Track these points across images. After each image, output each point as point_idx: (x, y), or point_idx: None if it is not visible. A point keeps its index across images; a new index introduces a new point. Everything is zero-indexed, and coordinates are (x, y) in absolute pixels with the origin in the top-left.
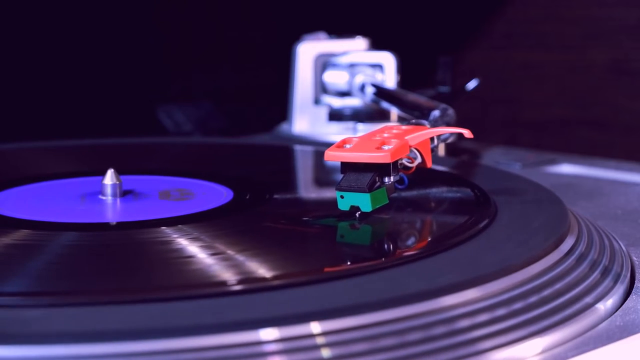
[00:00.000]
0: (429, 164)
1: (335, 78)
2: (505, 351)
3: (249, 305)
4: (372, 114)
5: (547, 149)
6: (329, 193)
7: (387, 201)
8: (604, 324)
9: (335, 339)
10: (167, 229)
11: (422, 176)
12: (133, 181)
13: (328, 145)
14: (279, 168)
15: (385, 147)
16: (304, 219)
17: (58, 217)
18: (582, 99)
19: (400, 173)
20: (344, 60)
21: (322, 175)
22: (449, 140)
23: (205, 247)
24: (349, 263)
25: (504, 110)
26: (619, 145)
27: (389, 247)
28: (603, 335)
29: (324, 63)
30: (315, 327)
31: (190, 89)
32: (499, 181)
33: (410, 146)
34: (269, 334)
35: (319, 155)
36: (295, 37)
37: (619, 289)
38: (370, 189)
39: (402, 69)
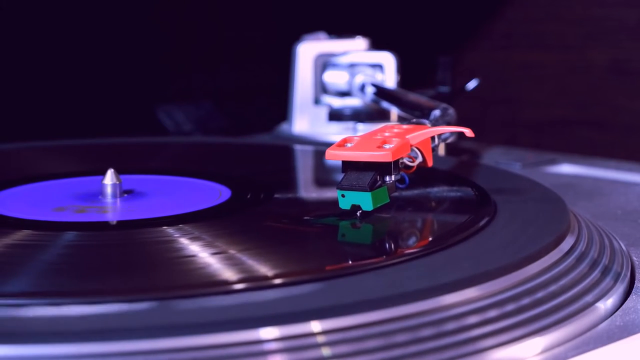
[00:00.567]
0: (430, 163)
1: (335, 78)
2: (505, 350)
3: (250, 304)
4: (372, 114)
5: (547, 149)
6: (329, 192)
7: (388, 200)
8: (604, 323)
9: (336, 338)
10: (168, 228)
11: (422, 175)
12: (133, 181)
13: (328, 145)
14: (279, 168)
15: (387, 146)
16: (305, 218)
17: (58, 217)
18: (582, 99)
19: (401, 172)
20: (344, 60)
21: (323, 174)
22: (450, 140)
23: (205, 246)
24: (350, 262)
25: (504, 110)
26: (619, 145)
27: (389, 245)
28: (603, 335)
29: (324, 63)
30: (315, 325)
31: (190, 89)
32: (499, 180)
33: (411, 145)
34: (269, 332)
35: (319, 155)
36: (295, 37)
37: (619, 289)
38: (371, 187)
39: (402, 69)
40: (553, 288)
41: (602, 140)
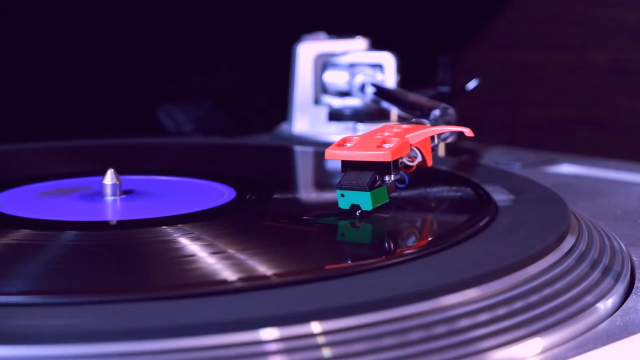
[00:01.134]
0: (430, 163)
1: (335, 78)
2: (505, 351)
3: (249, 304)
4: (372, 114)
5: (547, 149)
6: (329, 192)
7: (388, 200)
8: (604, 324)
9: (336, 338)
10: (168, 228)
11: (422, 175)
12: (133, 181)
13: (328, 145)
14: (279, 168)
15: (386, 146)
16: (305, 218)
17: (58, 216)
18: (582, 99)
19: (401, 172)
20: (344, 60)
21: (322, 174)
22: (449, 140)
23: (205, 246)
24: (349, 262)
25: (504, 110)
26: (619, 145)
27: (389, 245)
28: (603, 335)
29: (324, 63)
30: (315, 326)
31: (190, 89)
32: (500, 180)
33: (410, 145)
34: (269, 333)
35: (319, 155)
36: (295, 37)
37: (619, 289)
38: (370, 187)
39: (402, 69)
40: (553, 288)
41: (602, 140)
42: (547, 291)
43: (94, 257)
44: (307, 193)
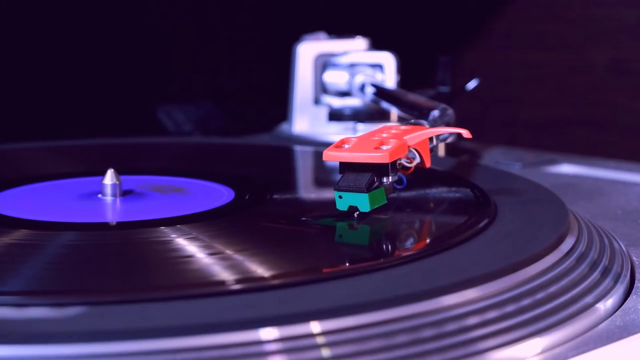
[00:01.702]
0: (428, 164)
1: (335, 78)
2: (505, 351)
3: (248, 305)
4: (372, 114)
5: (547, 149)
6: (327, 193)
7: (386, 201)
8: (604, 324)
9: (334, 339)
10: (167, 229)
11: (421, 176)
12: (133, 181)
13: (328, 145)
14: (278, 168)
15: (384, 147)
16: (303, 219)
17: (58, 217)
18: (582, 99)
19: (399, 173)
20: (344, 60)
21: (322, 175)
22: (448, 141)
23: (204, 247)
24: (347, 263)
25: (504, 110)
26: (619, 145)
27: (387, 247)
28: (603, 335)
29: (324, 63)
30: (314, 326)
31: (190, 89)
32: (499, 181)
33: (409, 146)
34: (267, 333)
35: (318, 156)
36: (295, 37)
37: (619, 289)
38: (368, 189)
39: (402, 69)
40: (553, 288)
41: (602, 140)
42: (547, 291)
43: (94, 257)
44: (306, 194)
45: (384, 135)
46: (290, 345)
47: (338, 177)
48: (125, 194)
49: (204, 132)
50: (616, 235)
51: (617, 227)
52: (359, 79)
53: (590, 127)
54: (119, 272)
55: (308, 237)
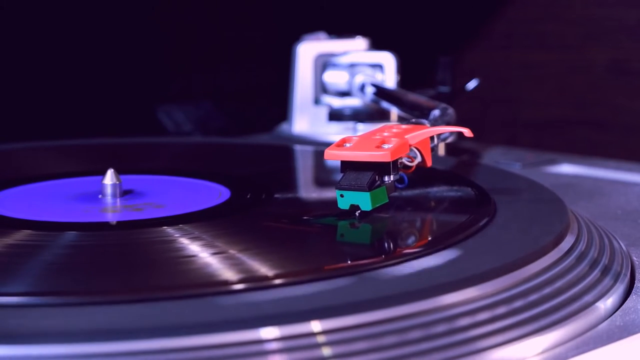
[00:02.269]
0: (429, 163)
1: (335, 78)
2: (505, 350)
3: (249, 304)
4: (372, 114)
5: (547, 149)
6: (328, 192)
7: (387, 200)
8: (604, 323)
9: (336, 338)
10: (168, 229)
11: (422, 175)
12: (133, 181)
13: (328, 145)
14: (279, 168)
15: (385, 146)
16: (304, 218)
17: (58, 217)
18: (582, 99)
19: (400, 172)
20: (344, 60)
21: (322, 175)
22: (449, 140)
23: (205, 246)
24: (349, 262)
25: (504, 110)
26: (619, 145)
27: (388, 245)
28: (603, 335)
29: (324, 63)
30: (315, 325)
31: (190, 89)
32: (499, 180)
33: (410, 145)
34: (269, 332)
35: (319, 155)
36: (295, 37)
37: (619, 288)
38: (370, 187)
39: (402, 69)
40: (553, 288)
41: (602, 140)
42: (546, 290)
43: (94, 257)
44: (307, 193)
45: (385, 134)
46: (292, 344)
47: (339, 176)
48: (125, 193)
49: (204, 132)
50: (616, 235)
51: (617, 227)
52: (359, 79)
53: (590, 127)
54: (119, 272)
55: (309, 236)
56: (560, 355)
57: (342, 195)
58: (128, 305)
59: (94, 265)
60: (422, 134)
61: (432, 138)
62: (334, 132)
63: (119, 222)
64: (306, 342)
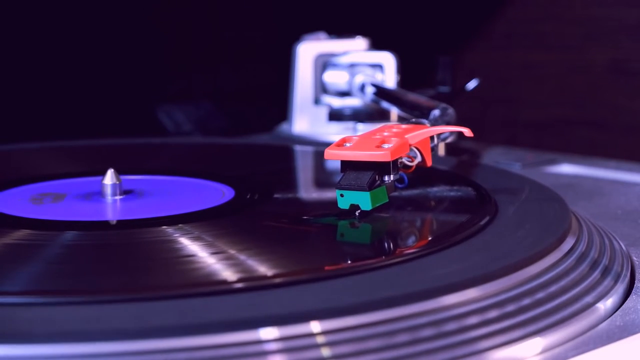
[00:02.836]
0: (429, 163)
1: (335, 78)
2: (506, 350)
3: (249, 304)
4: (372, 114)
5: (547, 149)
6: (328, 192)
7: (387, 200)
8: (604, 324)
9: (335, 338)
10: (168, 228)
11: (422, 175)
12: (133, 181)
13: (328, 145)
14: (279, 168)
15: (385, 146)
16: (304, 217)
17: (58, 216)
18: (582, 99)
19: (400, 172)
20: (344, 60)
21: (322, 174)
22: (449, 140)
23: (205, 246)
24: (349, 261)
25: (504, 110)
26: (619, 145)
27: (388, 245)
28: (603, 335)
29: (324, 63)
30: (315, 325)
31: (190, 89)
32: (500, 180)
33: (410, 145)
34: (269, 332)
35: (319, 155)
36: (295, 37)
37: (619, 289)
38: (370, 187)
39: (402, 69)
40: (553, 288)
41: (602, 140)
42: (547, 291)
43: (94, 257)
44: (307, 193)
45: (385, 133)
46: (292, 344)
47: (338, 176)
48: (125, 193)
49: (204, 132)
50: (616, 235)
51: (617, 227)
52: (359, 79)
53: (590, 127)
54: (119, 272)
55: (309, 236)
56: (560, 356)
57: (342, 195)
58: (128, 304)
59: (93, 264)
60: (422, 134)
61: (432, 138)
62: (334, 132)
63: (119, 222)
64: (306, 343)
